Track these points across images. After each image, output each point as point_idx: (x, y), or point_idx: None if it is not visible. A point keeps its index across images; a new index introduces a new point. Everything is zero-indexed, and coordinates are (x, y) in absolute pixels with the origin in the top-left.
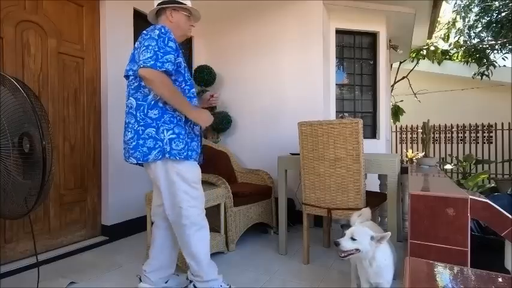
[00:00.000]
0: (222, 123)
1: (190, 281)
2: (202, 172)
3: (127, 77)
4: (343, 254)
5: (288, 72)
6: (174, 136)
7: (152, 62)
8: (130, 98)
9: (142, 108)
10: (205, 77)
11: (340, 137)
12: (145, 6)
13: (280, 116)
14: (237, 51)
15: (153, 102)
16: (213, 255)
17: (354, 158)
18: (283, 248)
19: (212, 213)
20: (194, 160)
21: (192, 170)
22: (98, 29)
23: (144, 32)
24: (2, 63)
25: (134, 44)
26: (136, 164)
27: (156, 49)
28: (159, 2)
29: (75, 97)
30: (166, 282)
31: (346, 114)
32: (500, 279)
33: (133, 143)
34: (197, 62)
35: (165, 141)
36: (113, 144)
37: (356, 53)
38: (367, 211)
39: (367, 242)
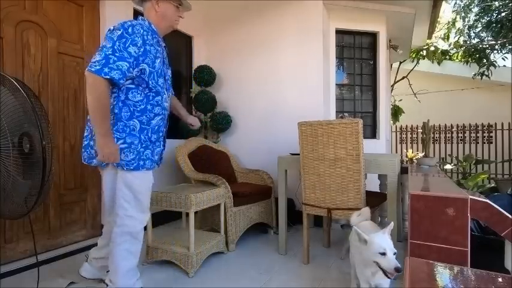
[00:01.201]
0: (222, 123)
1: (107, 285)
2: (202, 172)
3: None
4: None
5: (288, 72)
6: (124, 146)
7: (98, 68)
8: None
9: None
10: (205, 77)
11: (340, 137)
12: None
13: (280, 116)
14: (237, 51)
15: (110, 106)
16: (213, 255)
17: (354, 158)
18: (283, 248)
19: (212, 213)
20: (147, 169)
21: (139, 180)
22: (98, 29)
23: (112, 27)
24: (2, 63)
25: None
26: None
27: (110, 52)
28: None
29: (75, 97)
30: (108, 272)
31: (346, 114)
32: (500, 279)
33: (85, 142)
34: (197, 62)
35: None
36: None
37: (356, 53)
38: (366, 210)
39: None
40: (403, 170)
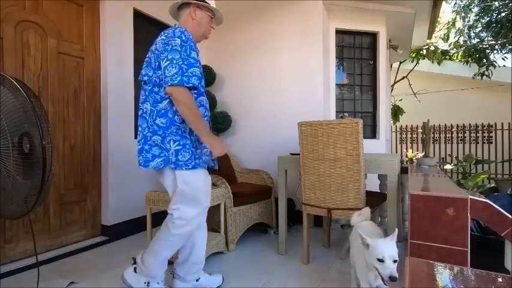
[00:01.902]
0: (222, 123)
1: (135, 261)
2: None
3: (142, 81)
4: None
5: (288, 72)
6: (180, 147)
7: (179, 78)
8: (146, 102)
9: (152, 114)
10: (205, 77)
11: (340, 137)
12: (145, 6)
13: (280, 116)
14: (237, 51)
15: (163, 110)
16: (213, 255)
17: (354, 158)
18: (283, 248)
19: (212, 213)
20: (202, 167)
21: (197, 177)
22: (98, 29)
23: (163, 37)
24: (2, 63)
25: (134, 43)
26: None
27: (181, 62)
28: None
29: (75, 97)
30: (197, 280)
31: (346, 114)
32: (500, 279)
33: (139, 147)
34: None
35: (170, 151)
36: (112, 144)
37: (356, 53)
38: (366, 210)
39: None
40: (403, 170)
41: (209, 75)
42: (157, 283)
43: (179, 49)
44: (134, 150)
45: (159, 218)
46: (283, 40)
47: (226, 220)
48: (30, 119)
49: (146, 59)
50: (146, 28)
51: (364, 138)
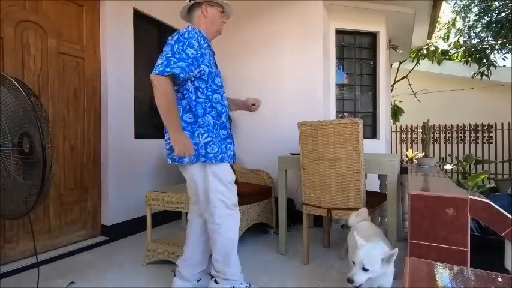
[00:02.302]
0: None
1: (212, 277)
2: None
3: None
4: (358, 286)
5: (288, 72)
6: (209, 140)
7: (161, 69)
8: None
9: (179, 111)
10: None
11: (340, 137)
12: (145, 6)
13: (280, 116)
14: (237, 51)
15: (188, 106)
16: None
17: (354, 158)
18: (283, 248)
19: None
20: (227, 162)
21: (226, 171)
22: (98, 29)
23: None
24: (2, 63)
25: (134, 43)
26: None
27: (169, 55)
28: None
29: (75, 97)
30: (198, 281)
31: (346, 114)
32: (500, 279)
33: (170, 144)
34: None
35: (200, 145)
36: (112, 144)
37: (356, 53)
38: (364, 211)
39: (379, 267)
40: (403, 170)
41: None
42: (241, 284)
43: (173, 43)
44: (134, 150)
45: (159, 218)
46: (284, 40)
47: None
48: (30, 119)
49: None
50: (146, 28)
51: (364, 138)
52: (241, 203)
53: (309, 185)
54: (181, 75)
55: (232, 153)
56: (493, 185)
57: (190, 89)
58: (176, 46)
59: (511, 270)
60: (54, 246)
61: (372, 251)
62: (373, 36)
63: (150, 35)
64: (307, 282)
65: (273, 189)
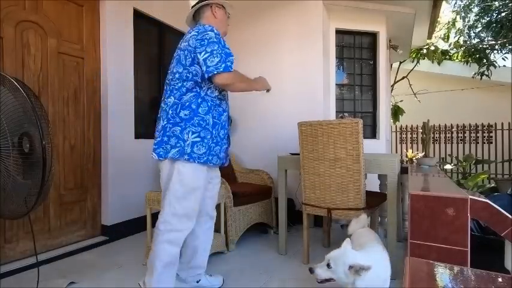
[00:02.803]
0: None
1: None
2: None
3: (169, 79)
4: (319, 281)
5: (288, 72)
6: (198, 140)
7: (224, 65)
8: (170, 97)
9: (175, 107)
10: None
11: (340, 137)
12: (146, 6)
13: (280, 115)
14: (237, 50)
15: (187, 103)
16: (213, 255)
17: (354, 158)
18: (283, 248)
19: None
20: (214, 164)
21: (194, 174)
22: (98, 29)
23: (194, 33)
24: (2, 63)
25: (134, 43)
26: (158, 160)
27: (220, 51)
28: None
29: (75, 97)
30: (198, 282)
31: (346, 114)
32: (500, 279)
33: (158, 139)
34: None
35: (187, 142)
36: (112, 144)
37: (356, 53)
38: (363, 218)
39: (342, 272)
40: (403, 170)
41: None
42: None
43: (215, 40)
44: (134, 150)
45: None
46: (284, 40)
47: (226, 220)
48: (30, 119)
49: (175, 57)
50: (146, 28)
51: (364, 138)
52: (241, 203)
53: (309, 185)
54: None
55: (225, 154)
56: (493, 185)
57: (202, 85)
58: (222, 43)
59: (511, 270)
60: (54, 246)
61: (343, 254)
62: (373, 36)
63: (150, 35)
64: (307, 282)
65: (273, 189)
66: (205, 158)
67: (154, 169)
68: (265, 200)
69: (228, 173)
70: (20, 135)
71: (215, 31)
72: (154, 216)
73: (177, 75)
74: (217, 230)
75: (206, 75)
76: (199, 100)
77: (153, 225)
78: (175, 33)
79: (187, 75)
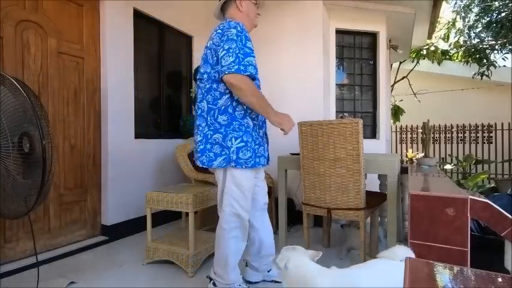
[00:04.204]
0: None
1: (211, 279)
2: (202, 172)
3: (199, 79)
4: None
5: (287, 72)
6: (242, 145)
7: (236, 67)
8: (203, 100)
9: (212, 112)
10: None
11: (340, 137)
12: (146, 6)
13: None
14: None
15: (223, 107)
16: (213, 255)
17: (354, 158)
18: None
19: (212, 213)
20: (262, 165)
21: (247, 177)
22: (98, 29)
23: (219, 30)
24: (2, 63)
25: (134, 43)
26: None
27: (237, 51)
28: None
29: (75, 97)
30: (269, 271)
31: (346, 114)
32: (500, 279)
33: (201, 147)
34: (197, 62)
35: (232, 149)
36: (112, 143)
37: (356, 53)
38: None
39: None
40: (403, 170)
41: None
42: (239, 285)
43: (235, 38)
44: (134, 149)
45: (159, 218)
46: (284, 40)
47: None
48: (30, 119)
49: (202, 57)
50: (146, 28)
51: (364, 138)
52: None
53: (309, 185)
54: (256, 74)
55: (267, 153)
56: (493, 185)
57: None
58: (238, 40)
59: (511, 270)
60: (54, 246)
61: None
62: (373, 36)
63: (150, 34)
64: None
65: (273, 189)
66: (252, 162)
67: (154, 169)
68: None
69: None
70: (20, 135)
71: (239, 28)
72: (154, 216)
73: (205, 76)
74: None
75: (221, 74)
76: (234, 103)
77: (153, 225)
78: (176, 33)
79: (215, 75)
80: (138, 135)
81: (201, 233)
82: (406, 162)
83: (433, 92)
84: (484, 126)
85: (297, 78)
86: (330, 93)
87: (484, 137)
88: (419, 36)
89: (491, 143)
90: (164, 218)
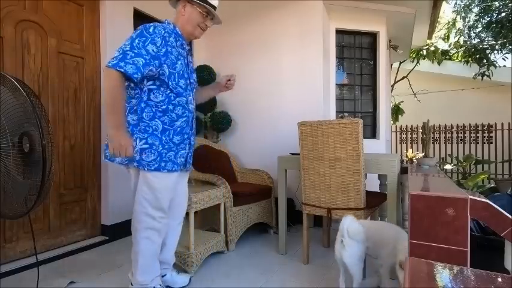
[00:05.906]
0: (222, 123)
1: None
2: (202, 172)
3: None
4: None
5: (288, 72)
6: (146, 146)
7: (114, 62)
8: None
9: (127, 111)
10: (205, 77)
11: (340, 137)
12: (146, 6)
13: (280, 115)
14: (237, 51)
15: (135, 107)
16: (213, 255)
17: (354, 158)
18: (283, 248)
19: (212, 213)
20: (168, 171)
21: (159, 180)
22: (98, 29)
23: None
24: (2, 63)
25: None
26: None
27: (128, 49)
28: None
29: (75, 96)
30: (163, 276)
31: (346, 114)
32: (500, 279)
33: (107, 141)
34: (197, 62)
35: (136, 149)
36: None
37: (356, 53)
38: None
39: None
40: (403, 170)
41: (209, 75)
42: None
43: (134, 37)
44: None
45: None
46: (283, 40)
47: (226, 220)
48: (30, 119)
49: None
50: None
51: (364, 138)
52: (241, 202)
53: (309, 185)
54: (135, 75)
55: (184, 160)
56: (493, 185)
57: (144, 89)
58: (137, 40)
59: (511, 270)
60: (54, 246)
61: None
62: (373, 36)
63: None
64: (307, 282)
65: (273, 189)
66: (156, 165)
67: None
68: (265, 200)
69: (228, 173)
70: (20, 135)
71: (151, 29)
72: None
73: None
74: (217, 229)
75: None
76: (143, 105)
77: None
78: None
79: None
80: None
81: (201, 233)
82: (406, 162)
83: (433, 92)
84: (484, 126)
85: (297, 78)
86: (329, 93)
87: (484, 137)
88: (419, 36)
89: (491, 143)
90: None
